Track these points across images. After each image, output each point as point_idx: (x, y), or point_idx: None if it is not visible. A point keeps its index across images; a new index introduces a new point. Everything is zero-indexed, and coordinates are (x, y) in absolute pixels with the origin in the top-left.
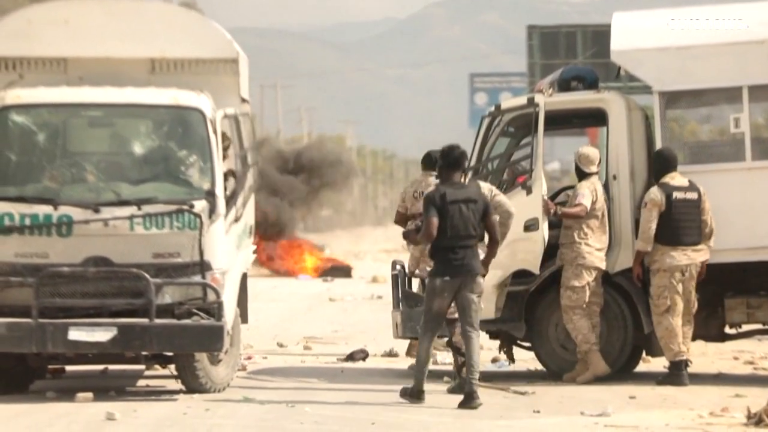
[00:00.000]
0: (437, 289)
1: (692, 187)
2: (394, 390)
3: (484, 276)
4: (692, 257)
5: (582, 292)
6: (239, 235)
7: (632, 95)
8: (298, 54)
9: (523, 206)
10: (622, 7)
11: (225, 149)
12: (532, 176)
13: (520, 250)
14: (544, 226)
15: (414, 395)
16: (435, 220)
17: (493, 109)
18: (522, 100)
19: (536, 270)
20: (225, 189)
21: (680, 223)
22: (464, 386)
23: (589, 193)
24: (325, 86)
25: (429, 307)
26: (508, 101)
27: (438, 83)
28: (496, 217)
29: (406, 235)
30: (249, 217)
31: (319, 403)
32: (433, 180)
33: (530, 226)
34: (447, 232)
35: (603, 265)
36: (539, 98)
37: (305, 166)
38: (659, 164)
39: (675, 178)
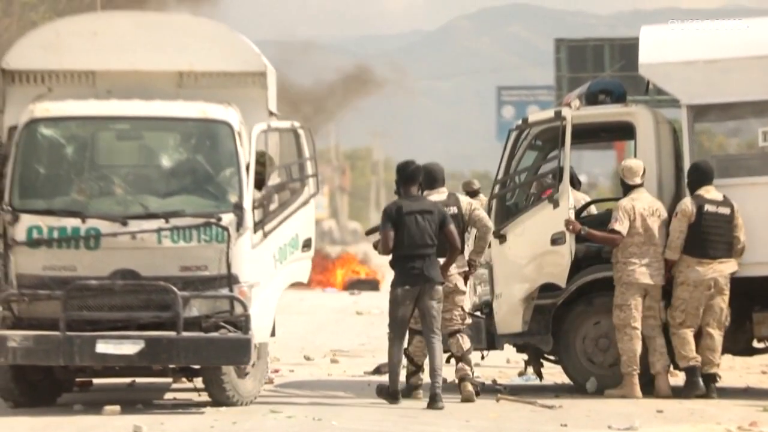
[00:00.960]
0: (399, 298)
1: (726, 201)
2: (420, 401)
3: (443, 284)
4: (718, 269)
5: (628, 310)
6: (281, 248)
7: (660, 108)
8: (324, 66)
9: (550, 220)
10: (650, 21)
11: (261, 164)
12: (560, 190)
13: (547, 263)
14: (571, 240)
15: (390, 395)
16: (390, 233)
17: (520, 122)
18: (549, 113)
19: (563, 283)
20: (268, 202)
21: (709, 237)
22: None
23: (623, 215)
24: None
25: (393, 316)
26: (535, 114)
27: (465, 95)
28: (452, 227)
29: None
30: (301, 228)
31: (346, 417)
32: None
33: (557, 240)
34: (404, 242)
35: (652, 281)
36: (566, 112)
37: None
38: (695, 177)
39: (710, 192)
